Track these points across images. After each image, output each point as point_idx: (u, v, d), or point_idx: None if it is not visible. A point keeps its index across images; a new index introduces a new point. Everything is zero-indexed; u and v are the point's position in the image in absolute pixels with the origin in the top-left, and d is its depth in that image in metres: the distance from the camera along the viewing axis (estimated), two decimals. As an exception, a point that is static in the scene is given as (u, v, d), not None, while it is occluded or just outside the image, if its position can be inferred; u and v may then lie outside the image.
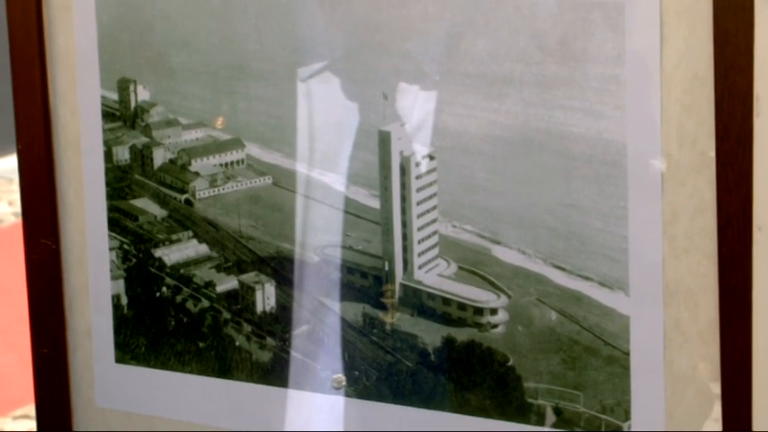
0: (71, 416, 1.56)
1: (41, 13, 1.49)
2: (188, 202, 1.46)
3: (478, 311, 1.34)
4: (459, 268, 1.34)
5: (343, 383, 1.41)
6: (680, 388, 1.26)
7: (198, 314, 1.47)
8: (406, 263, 1.37)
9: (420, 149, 1.33)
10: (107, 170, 1.49)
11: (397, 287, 1.37)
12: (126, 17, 1.45)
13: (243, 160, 1.42)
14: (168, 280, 1.49)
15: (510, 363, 1.33)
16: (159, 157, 1.47)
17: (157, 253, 1.49)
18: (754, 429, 1.22)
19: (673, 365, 1.27)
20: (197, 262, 1.47)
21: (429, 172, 1.34)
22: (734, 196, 1.21)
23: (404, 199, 1.35)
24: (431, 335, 1.36)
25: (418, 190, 1.35)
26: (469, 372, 1.35)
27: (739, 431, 1.23)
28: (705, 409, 1.26)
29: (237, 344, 1.46)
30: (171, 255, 1.48)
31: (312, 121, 1.38)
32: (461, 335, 1.35)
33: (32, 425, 2.37)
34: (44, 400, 1.56)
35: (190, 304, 1.48)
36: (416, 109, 1.33)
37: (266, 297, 1.44)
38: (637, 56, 1.23)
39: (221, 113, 1.42)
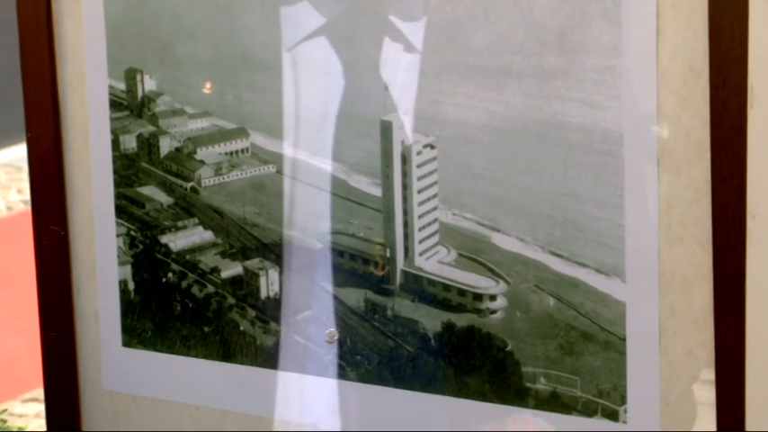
0: (79, 398, 1.56)
1: (50, 5, 1.49)
2: (194, 189, 1.47)
3: (478, 297, 1.34)
4: (459, 255, 1.34)
5: (336, 337, 1.41)
6: (675, 373, 1.27)
7: (203, 299, 1.48)
8: (407, 249, 1.37)
9: (421, 138, 1.34)
10: (115, 158, 1.50)
11: (398, 273, 1.38)
12: (133, 9, 1.46)
13: (247, 149, 1.43)
14: (174, 266, 1.49)
15: (508, 348, 1.33)
16: (165, 146, 1.47)
17: (164, 239, 1.49)
18: (747, 413, 1.22)
19: (668, 351, 1.27)
20: (202, 248, 1.47)
21: (429, 161, 1.34)
22: (728, 186, 1.21)
23: (405, 187, 1.36)
24: (431, 320, 1.37)
25: (419, 178, 1.35)
26: (469, 356, 1.35)
27: (733, 415, 1.23)
28: (699, 395, 1.26)
29: (242, 328, 1.46)
30: (177, 241, 1.49)
31: (315, 111, 1.39)
32: (461, 320, 1.35)
33: (41, 407, 2.37)
34: (52, 382, 1.57)
35: (195, 290, 1.48)
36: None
37: (270, 283, 1.44)
38: (633, 47, 1.23)
39: (226, 103, 1.43)
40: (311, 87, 1.39)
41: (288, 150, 1.41)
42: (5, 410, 2.47)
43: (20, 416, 2.75)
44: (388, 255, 1.38)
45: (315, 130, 1.39)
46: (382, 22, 1.33)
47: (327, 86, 1.38)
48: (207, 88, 1.43)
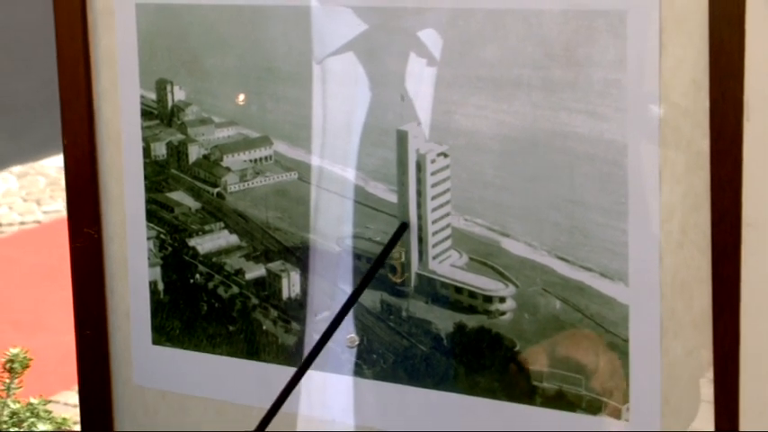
0: (111, 393, 1.58)
1: (86, 18, 1.51)
2: (220, 195, 1.48)
3: (488, 299, 1.35)
4: (471, 259, 1.35)
5: (356, 342, 1.42)
6: (675, 373, 1.28)
7: (228, 300, 1.49)
8: (421, 254, 1.38)
9: (435, 147, 1.35)
10: (146, 165, 1.52)
11: (413, 276, 1.39)
12: (164, 22, 1.48)
13: (271, 156, 1.44)
14: (201, 267, 1.51)
15: (517, 348, 1.34)
16: (194, 153, 1.49)
17: (191, 242, 1.51)
18: (741, 409, 1.23)
19: (669, 352, 1.28)
20: (228, 251, 1.49)
21: (443, 169, 1.35)
22: (726, 194, 1.22)
23: (419, 194, 1.37)
24: (443, 321, 1.38)
25: (433, 185, 1.36)
26: (479, 356, 1.36)
27: (729, 415, 1.24)
28: (699, 393, 1.27)
29: (265, 328, 1.48)
30: (204, 244, 1.50)
31: (335, 121, 1.40)
32: (472, 321, 1.36)
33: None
34: (86, 377, 1.58)
35: (221, 290, 1.50)
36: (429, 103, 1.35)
37: (291, 284, 1.45)
38: (637, 62, 1.24)
39: (251, 113, 1.44)
40: (335, 98, 1.40)
41: (309, 158, 1.42)
42: (49, 402, 2.48)
43: (75, 405, 2.77)
44: (403, 259, 1.39)
45: (335, 138, 1.40)
46: (407, 37, 1.34)
47: (349, 97, 1.39)
48: (240, 100, 1.44)
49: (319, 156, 1.41)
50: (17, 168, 6.71)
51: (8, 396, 2.38)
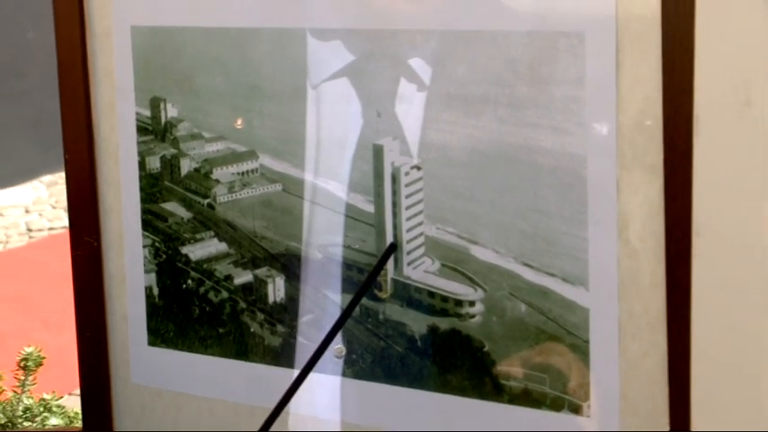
0: (110, 391, 1.58)
1: (85, 40, 1.51)
2: (210, 205, 1.48)
3: (459, 303, 1.35)
4: (442, 265, 1.35)
5: (343, 353, 1.42)
6: (632, 372, 1.27)
7: (218, 304, 1.49)
8: (397, 260, 1.38)
9: (408, 160, 1.35)
10: (141, 177, 1.52)
11: (389, 281, 1.38)
12: (158, 44, 1.48)
13: (257, 169, 1.44)
14: (193, 273, 1.50)
15: (486, 348, 1.34)
16: (185, 167, 1.49)
17: (184, 250, 1.51)
18: (692, 405, 1.22)
19: (626, 352, 1.27)
20: (217, 258, 1.49)
21: (416, 181, 1.35)
22: (678, 204, 1.22)
23: (395, 204, 1.37)
24: (417, 323, 1.37)
25: (407, 196, 1.36)
26: (451, 356, 1.36)
27: (682, 407, 1.23)
28: (654, 391, 1.26)
29: (252, 330, 1.48)
30: (195, 251, 1.50)
31: (317, 135, 1.40)
32: (444, 324, 1.36)
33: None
34: (87, 377, 1.58)
35: (211, 295, 1.50)
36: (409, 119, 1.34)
37: (277, 289, 1.45)
38: (595, 79, 1.24)
39: (239, 129, 1.44)
40: (317, 115, 1.40)
41: (293, 171, 1.42)
42: (69, 396, 2.49)
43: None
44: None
45: (317, 153, 1.40)
46: (382, 57, 1.34)
47: (327, 114, 1.39)
48: (238, 124, 1.44)
49: (302, 169, 1.41)
50: (47, 178, 6.74)
51: (23, 392, 2.39)
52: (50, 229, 6.10)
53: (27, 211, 6.37)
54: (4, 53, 6.52)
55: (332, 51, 1.37)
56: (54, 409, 2.29)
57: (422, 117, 1.33)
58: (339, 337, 1.42)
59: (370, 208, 1.38)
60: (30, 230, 6.13)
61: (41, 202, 6.54)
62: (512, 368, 1.32)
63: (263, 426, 1.31)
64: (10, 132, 6.52)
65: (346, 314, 1.36)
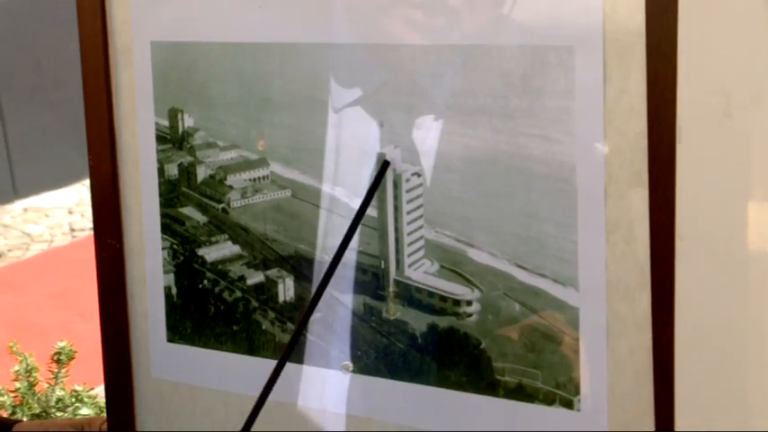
0: (132, 385, 1.58)
1: (108, 55, 1.52)
2: (224, 210, 1.48)
3: (456, 303, 1.34)
4: (441, 267, 1.34)
5: (351, 369, 1.42)
6: (620, 368, 1.27)
7: (232, 303, 1.49)
8: (399, 262, 1.37)
9: (409, 167, 1.34)
10: (160, 183, 1.52)
11: (391, 282, 1.38)
12: (175, 58, 1.48)
13: (268, 176, 1.44)
14: (209, 274, 1.50)
15: (482, 346, 1.33)
16: (201, 173, 1.49)
17: (200, 252, 1.51)
18: (676, 400, 1.22)
19: (614, 350, 1.27)
20: (231, 260, 1.48)
21: (416, 187, 1.35)
22: (662, 210, 1.21)
23: (396, 209, 1.36)
24: (418, 322, 1.37)
25: (408, 202, 1.35)
26: (449, 353, 1.35)
27: (667, 402, 1.23)
28: (640, 386, 1.25)
29: (264, 327, 1.47)
30: (211, 253, 1.50)
31: (326, 144, 1.39)
32: (443, 322, 1.35)
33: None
34: (110, 371, 1.59)
35: (226, 294, 1.49)
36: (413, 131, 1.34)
37: (287, 289, 1.45)
38: (584, 91, 1.23)
39: (250, 138, 1.44)
40: (325, 125, 1.39)
41: (302, 178, 1.42)
42: (92, 389, 2.50)
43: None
44: (382, 266, 1.38)
45: (324, 160, 1.40)
46: (386, 70, 1.34)
47: (334, 124, 1.39)
48: (261, 145, 1.44)
49: (311, 176, 1.41)
50: (88, 181, 6.77)
51: (56, 384, 2.40)
52: (92, 228, 6.13)
53: (70, 212, 6.40)
54: (49, 65, 6.55)
55: (352, 80, 1.36)
56: (85, 399, 2.30)
57: (423, 127, 1.33)
58: (336, 321, 1.41)
59: (374, 212, 1.38)
60: (73, 230, 6.16)
61: (84, 204, 6.56)
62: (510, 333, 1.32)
63: (253, 409, 1.30)
64: (55, 139, 6.55)
65: (341, 250, 1.33)
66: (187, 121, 1.49)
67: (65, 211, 6.37)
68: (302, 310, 1.44)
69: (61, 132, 6.48)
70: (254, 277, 1.47)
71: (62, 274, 5.41)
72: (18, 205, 6.48)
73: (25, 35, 6.57)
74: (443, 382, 1.36)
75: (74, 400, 2.29)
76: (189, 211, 1.51)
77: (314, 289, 1.43)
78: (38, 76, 6.60)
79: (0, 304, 5.05)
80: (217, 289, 1.50)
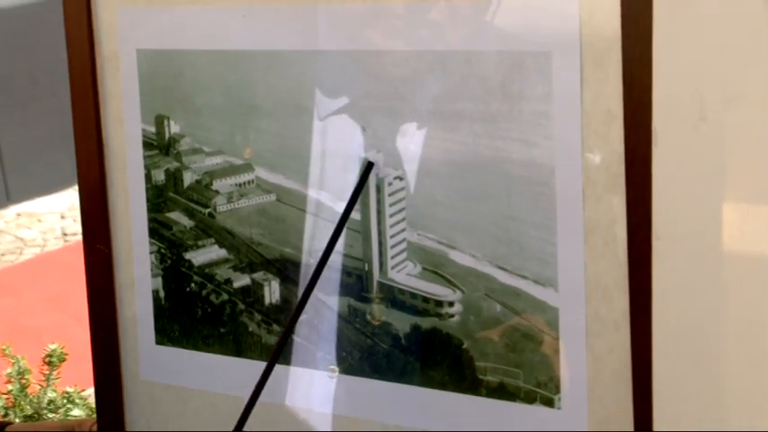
0: (121, 387, 1.57)
1: (95, 63, 1.50)
2: (210, 214, 1.47)
3: (439, 304, 1.33)
4: (423, 269, 1.33)
5: (337, 372, 1.41)
6: (599, 367, 1.26)
7: (219, 305, 1.48)
8: (382, 264, 1.36)
9: (392, 172, 1.33)
10: (147, 189, 1.50)
11: (375, 284, 1.37)
12: (161, 66, 1.46)
13: (253, 181, 1.43)
14: (196, 277, 1.49)
15: (464, 346, 1.33)
16: (188, 179, 1.48)
17: (187, 256, 1.49)
18: (654, 398, 1.21)
19: (593, 349, 1.26)
20: (218, 263, 1.47)
21: (399, 190, 1.34)
22: (639, 211, 1.20)
23: (379, 212, 1.35)
24: (401, 323, 1.36)
25: (390, 205, 1.35)
26: (432, 353, 1.34)
27: (645, 399, 1.22)
28: (619, 384, 1.25)
29: (250, 329, 1.46)
30: (197, 257, 1.49)
31: (311, 149, 1.38)
32: (425, 323, 1.34)
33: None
34: (100, 373, 1.57)
35: (213, 297, 1.48)
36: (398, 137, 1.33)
37: (272, 292, 1.44)
38: (562, 95, 1.23)
39: (236, 143, 1.43)
40: (310, 131, 1.38)
41: (286, 182, 1.41)
42: (84, 390, 2.48)
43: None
44: (366, 268, 1.37)
45: (308, 165, 1.39)
46: (367, 76, 1.33)
47: (319, 130, 1.38)
48: (247, 153, 1.43)
49: (294, 180, 1.40)
50: (80, 186, 6.73)
51: (48, 386, 2.38)
52: (84, 233, 6.09)
53: (63, 217, 6.37)
54: (42, 75, 6.53)
55: (336, 87, 1.35)
56: (77, 400, 2.28)
57: (405, 132, 1.32)
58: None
59: (357, 216, 1.37)
60: (65, 235, 6.13)
61: (76, 209, 6.52)
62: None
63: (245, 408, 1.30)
64: (47, 145, 6.53)
65: (327, 252, 1.32)
66: (173, 128, 1.48)
67: (57, 216, 6.34)
68: (289, 313, 1.43)
69: (53, 140, 6.46)
70: (241, 280, 1.46)
71: (55, 277, 5.38)
72: (11, 210, 6.45)
73: (18, 47, 6.55)
74: (427, 382, 1.35)
75: (65, 401, 2.28)
76: (176, 215, 1.50)
77: (300, 291, 1.41)
78: (31, 86, 6.58)
79: (-6, 308, 5.02)
80: (204, 292, 1.49)
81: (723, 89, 1.14)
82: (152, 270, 1.52)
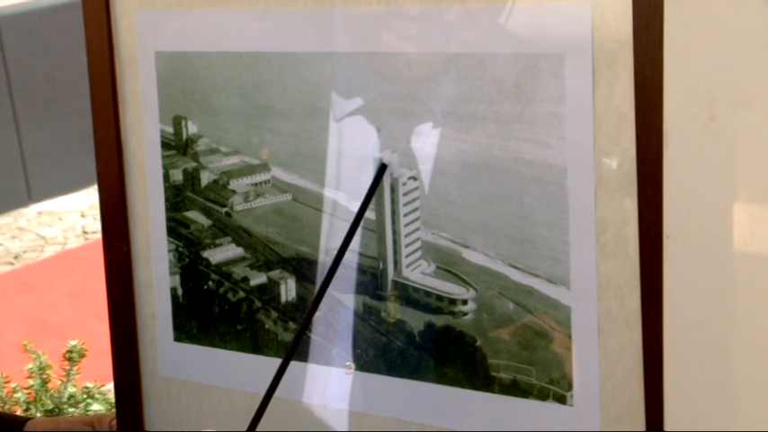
0: (140, 383, 1.57)
1: (114, 65, 1.50)
2: (227, 213, 1.46)
3: (452, 302, 1.32)
4: (437, 267, 1.33)
5: (353, 369, 1.40)
6: (611, 365, 1.25)
7: (236, 303, 1.47)
8: (396, 263, 1.36)
9: (406, 172, 1.32)
10: (166, 188, 1.50)
11: (389, 282, 1.36)
12: (179, 68, 1.46)
13: (269, 181, 1.42)
14: (213, 276, 1.49)
15: (477, 343, 1.32)
16: (205, 178, 1.47)
17: (205, 254, 1.49)
18: (665, 394, 1.20)
19: (605, 347, 1.25)
20: (235, 261, 1.47)
21: (413, 190, 1.33)
22: (650, 211, 1.19)
23: (394, 212, 1.35)
24: (416, 320, 1.35)
25: (405, 204, 1.34)
26: (446, 350, 1.34)
27: (656, 396, 1.21)
28: (631, 382, 1.24)
29: (267, 327, 1.46)
30: (215, 256, 1.48)
31: (327, 150, 1.38)
32: (439, 321, 1.34)
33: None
34: (120, 370, 1.57)
35: (230, 295, 1.48)
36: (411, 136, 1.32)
37: (288, 290, 1.44)
38: (574, 97, 1.22)
39: (252, 144, 1.42)
40: (326, 132, 1.38)
41: (302, 182, 1.40)
42: (104, 385, 2.48)
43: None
44: (381, 267, 1.36)
45: (323, 166, 1.38)
46: (382, 79, 1.32)
47: (335, 131, 1.37)
48: (264, 154, 1.42)
49: (310, 180, 1.39)
50: (100, 185, 6.73)
51: (68, 381, 2.38)
52: (104, 231, 6.09)
53: (83, 216, 6.37)
54: (63, 77, 6.54)
55: (351, 88, 1.34)
56: (96, 395, 2.28)
57: (419, 132, 1.31)
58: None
59: (372, 215, 1.36)
60: (85, 233, 6.13)
61: (96, 208, 6.53)
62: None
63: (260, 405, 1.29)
64: (68, 146, 6.53)
65: (342, 250, 1.31)
66: (191, 128, 1.47)
67: (77, 214, 6.35)
68: (305, 310, 1.42)
69: (73, 140, 6.47)
70: (257, 278, 1.46)
71: (76, 274, 5.39)
72: (33, 209, 6.46)
73: (40, 50, 6.56)
74: (441, 379, 1.35)
75: (85, 396, 2.28)
76: (193, 214, 1.49)
77: (316, 289, 1.41)
78: (52, 87, 6.59)
79: (16, 304, 5.03)
80: (221, 290, 1.49)
81: (733, 90, 1.13)
82: (170, 268, 1.52)
